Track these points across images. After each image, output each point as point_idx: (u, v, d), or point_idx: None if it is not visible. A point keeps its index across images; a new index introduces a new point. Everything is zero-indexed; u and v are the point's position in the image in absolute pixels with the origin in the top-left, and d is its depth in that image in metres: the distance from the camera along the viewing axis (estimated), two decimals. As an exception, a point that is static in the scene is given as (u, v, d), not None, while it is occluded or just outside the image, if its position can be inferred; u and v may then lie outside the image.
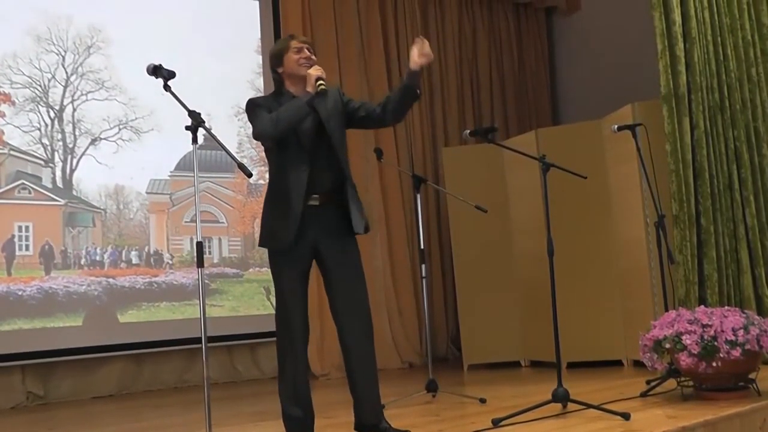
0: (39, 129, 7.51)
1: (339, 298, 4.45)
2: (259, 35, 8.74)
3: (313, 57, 4.55)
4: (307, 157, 4.39)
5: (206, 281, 7.79)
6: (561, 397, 4.91)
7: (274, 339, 8.23)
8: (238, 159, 3.99)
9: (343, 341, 4.46)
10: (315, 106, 4.37)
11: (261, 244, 4.50)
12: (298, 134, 4.39)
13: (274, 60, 4.59)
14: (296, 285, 4.38)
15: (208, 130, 4.04)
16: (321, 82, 4.31)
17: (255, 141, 8.49)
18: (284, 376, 4.41)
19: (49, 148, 7.54)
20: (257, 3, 8.80)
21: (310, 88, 4.31)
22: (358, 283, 4.47)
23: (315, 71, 4.36)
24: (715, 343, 4.80)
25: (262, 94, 8.56)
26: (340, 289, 4.45)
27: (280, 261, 4.40)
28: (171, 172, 8.12)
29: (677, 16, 6.63)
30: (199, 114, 3.99)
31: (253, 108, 4.45)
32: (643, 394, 5.40)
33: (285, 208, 4.34)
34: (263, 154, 8.44)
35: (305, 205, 4.34)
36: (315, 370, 7.94)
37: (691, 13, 6.67)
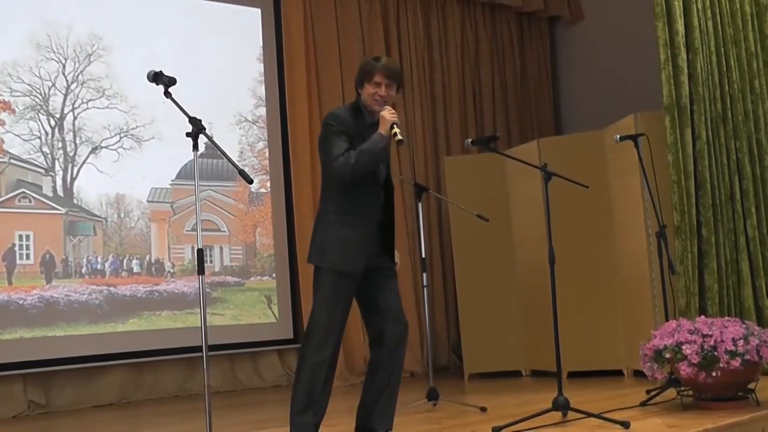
0: (39, 137, 7.51)
1: (383, 309, 4.59)
2: (261, 43, 8.74)
3: (391, 92, 4.53)
4: (380, 186, 4.53)
5: (207, 290, 7.78)
6: (561, 405, 4.91)
7: (275, 348, 8.34)
8: (240, 166, 4.00)
9: (384, 349, 4.59)
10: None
11: (319, 263, 4.46)
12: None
13: (357, 80, 4.58)
14: (339, 305, 4.41)
15: (209, 137, 4.05)
16: (396, 131, 4.35)
17: (257, 149, 8.57)
18: (306, 384, 4.37)
19: (49, 156, 7.54)
20: (259, 11, 8.80)
21: (383, 131, 4.38)
22: (398, 297, 4.71)
23: (390, 116, 4.40)
24: (715, 353, 4.81)
25: (263, 103, 8.59)
26: (388, 294, 4.62)
27: (329, 279, 4.41)
28: (172, 180, 8.12)
29: (680, 27, 6.64)
30: (200, 121, 4.00)
31: (332, 127, 4.42)
32: (643, 404, 5.40)
33: (361, 234, 4.42)
34: (264, 162, 8.56)
35: None
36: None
37: (694, 23, 6.68)
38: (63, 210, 7.58)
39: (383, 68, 4.49)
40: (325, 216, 4.48)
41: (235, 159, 7.22)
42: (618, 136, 6.03)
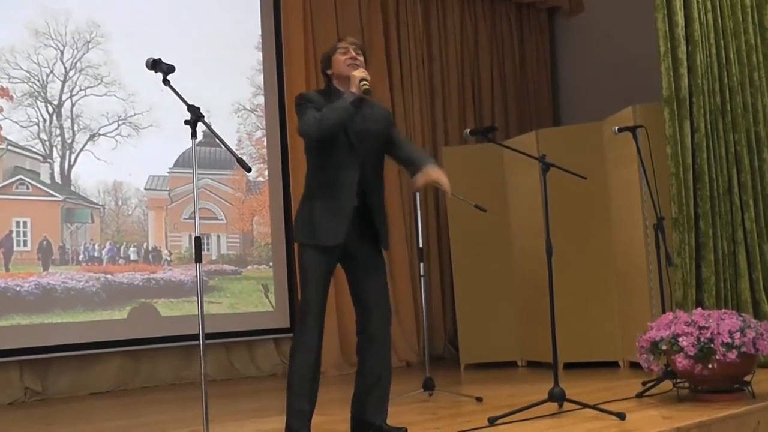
0: (37, 124, 7.50)
1: (366, 289, 4.51)
2: (259, 31, 8.72)
3: (360, 58, 4.55)
4: (358, 158, 4.43)
5: (204, 278, 7.77)
6: (557, 396, 4.91)
7: (272, 336, 8.34)
8: (238, 155, 4.00)
9: (365, 332, 4.53)
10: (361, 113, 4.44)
11: (300, 239, 4.47)
12: (348, 134, 4.41)
13: (324, 62, 4.64)
14: (324, 279, 4.39)
15: (207, 125, 4.05)
16: (365, 82, 4.32)
17: (255, 138, 8.56)
18: (295, 368, 4.38)
19: (47, 143, 7.53)
20: (258, -1, 8.81)
21: (354, 89, 4.33)
22: (384, 282, 4.57)
23: (359, 72, 4.38)
24: (712, 346, 4.81)
25: (262, 91, 8.59)
26: (369, 281, 4.51)
27: (312, 255, 4.38)
28: (170, 168, 8.12)
29: (680, 19, 6.63)
30: (199, 108, 3.99)
31: (301, 104, 4.45)
32: (639, 395, 5.41)
33: (333, 207, 4.37)
34: (263, 151, 8.55)
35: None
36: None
37: (694, 15, 6.67)
38: (60, 197, 7.57)
39: (347, 39, 4.65)
40: (303, 194, 4.52)
41: (233, 147, 7.20)
42: (616, 128, 6.02)
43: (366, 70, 4.48)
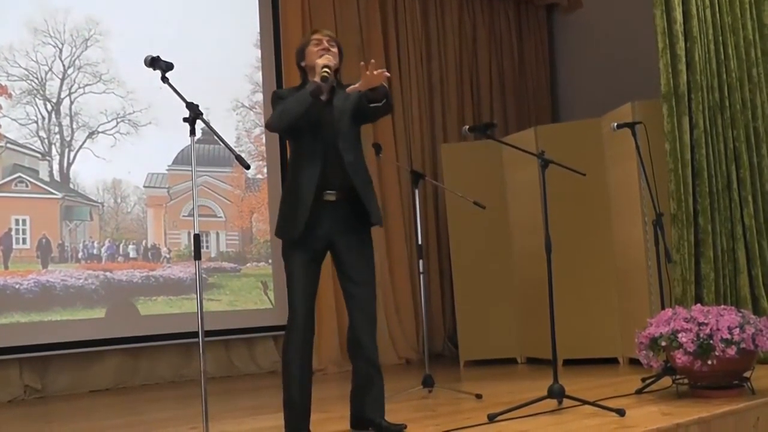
0: (36, 122, 7.49)
1: (348, 293, 4.51)
2: (258, 29, 8.72)
3: (332, 48, 4.51)
4: (322, 151, 4.40)
5: (204, 275, 7.78)
6: (556, 393, 4.91)
7: (271, 334, 8.36)
8: (236, 152, 4.00)
9: (350, 334, 4.54)
10: (333, 102, 4.44)
11: (275, 233, 4.55)
12: (314, 127, 4.40)
13: (298, 55, 4.61)
14: (302, 273, 4.41)
15: (206, 122, 4.04)
16: (325, 69, 4.29)
17: (254, 135, 8.56)
18: (287, 363, 4.41)
19: (46, 141, 7.53)
20: (256, -5, 8.80)
21: (316, 77, 4.31)
22: (367, 283, 4.53)
23: (322, 60, 4.36)
24: (711, 342, 4.81)
25: (260, 89, 8.59)
26: (351, 285, 4.50)
27: (289, 249, 4.45)
28: (169, 166, 8.12)
29: (678, 15, 6.62)
30: (197, 106, 3.98)
31: (274, 100, 4.50)
32: (639, 392, 5.41)
33: (296, 201, 4.38)
34: (261, 148, 8.56)
35: (318, 199, 4.36)
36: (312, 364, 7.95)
37: (692, 11, 6.66)
38: (59, 195, 7.57)
39: (321, 31, 4.60)
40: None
41: (232, 145, 7.19)
42: (615, 124, 6.02)
43: (336, 60, 4.47)
